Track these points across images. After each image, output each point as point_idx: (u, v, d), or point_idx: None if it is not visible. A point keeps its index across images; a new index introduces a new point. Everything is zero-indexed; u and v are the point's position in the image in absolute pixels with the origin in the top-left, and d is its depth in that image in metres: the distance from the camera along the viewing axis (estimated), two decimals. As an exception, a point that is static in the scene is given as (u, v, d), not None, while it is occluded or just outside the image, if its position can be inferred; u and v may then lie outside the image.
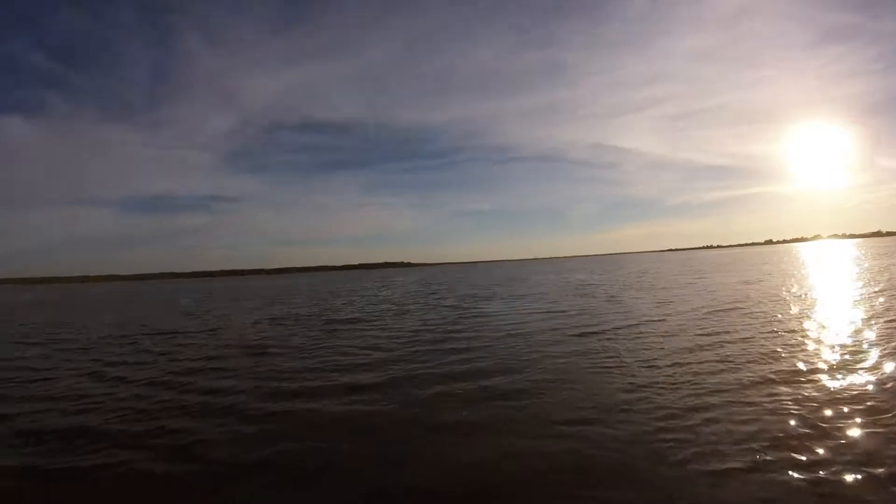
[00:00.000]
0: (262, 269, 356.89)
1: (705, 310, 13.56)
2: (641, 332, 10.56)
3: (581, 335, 10.71)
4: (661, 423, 5.03)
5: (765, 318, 11.53)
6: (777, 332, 9.68)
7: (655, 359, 7.99)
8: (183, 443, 5.34)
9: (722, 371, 6.97)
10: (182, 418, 6.26)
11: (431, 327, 13.49)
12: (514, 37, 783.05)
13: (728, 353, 7.99)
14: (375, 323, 15.30)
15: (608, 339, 10.09)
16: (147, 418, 6.30)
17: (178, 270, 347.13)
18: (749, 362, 7.36)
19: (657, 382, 6.55)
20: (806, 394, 5.70)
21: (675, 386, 6.33)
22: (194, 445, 5.25)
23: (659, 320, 12.15)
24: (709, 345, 8.79)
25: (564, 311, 15.37)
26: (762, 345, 8.53)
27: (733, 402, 5.58)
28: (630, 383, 6.62)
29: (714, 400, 5.67)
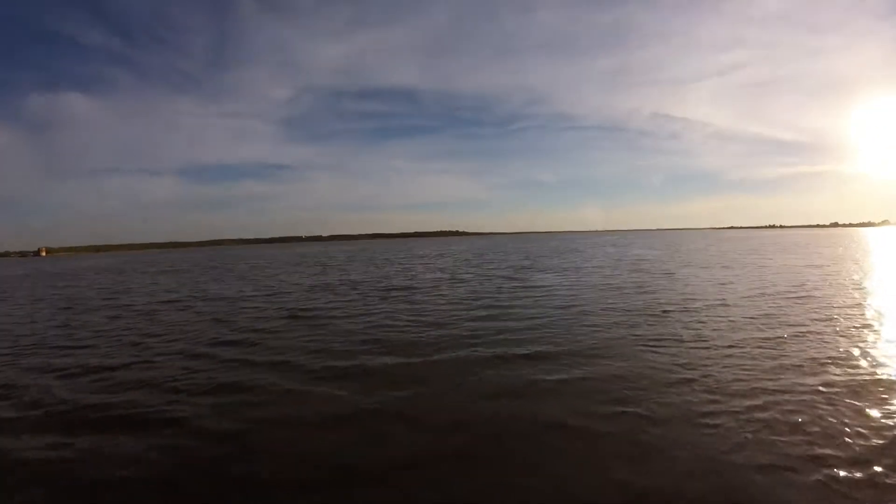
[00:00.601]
0: (319, 236, 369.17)
1: (767, 292, 13.11)
2: (699, 313, 10.40)
3: (636, 313, 10.69)
4: (709, 408, 5.03)
5: (828, 304, 11.06)
6: (839, 320, 9.26)
7: (710, 341, 7.90)
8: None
9: (778, 357, 6.80)
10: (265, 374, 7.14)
11: (484, 298, 13.82)
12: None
13: (786, 340, 7.80)
14: (431, 292, 15.84)
15: (664, 318, 10.04)
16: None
17: (238, 237, 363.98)
18: (807, 351, 7.14)
19: (709, 367, 6.47)
20: (860, 387, 5.55)
21: (728, 372, 6.23)
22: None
23: (718, 302, 11.86)
24: (768, 330, 8.55)
25: (619, 287, 15.32)
26: (822, 333, 8.25)
27: (785, 390, 5.48)
28: (682, 366, 6.60)
29: (766, 386, 5.62)
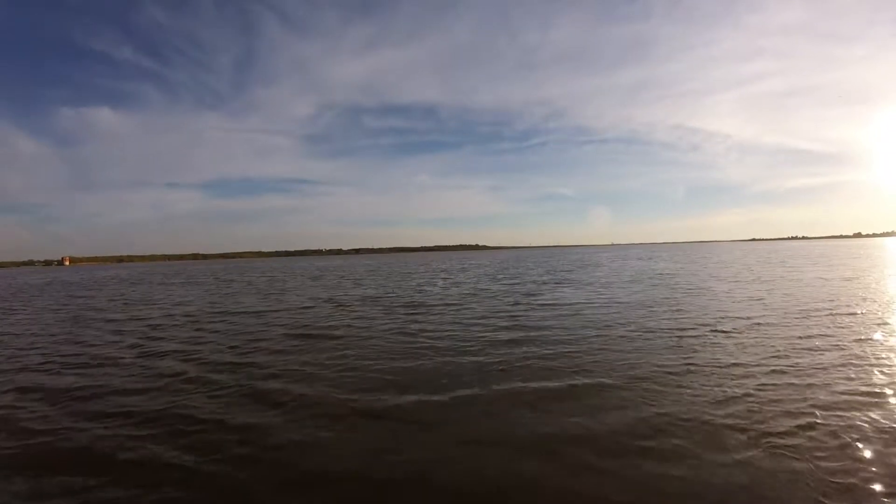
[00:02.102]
0: (340, 250, 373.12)
1: (804, 308, 12.47)
2: (739, 334, 9.78)
3: (663, 331, 10.21)
4: (748, 446, 4.54)
5: (869, 322, 10.42)
6: (887, 342, 8.65)
7: (745, 364, 7.34)
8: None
9: (816, 386, 6.22)
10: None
11: (511, 316, 13.40)
12: (599, 11, 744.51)
13: (825, 363, 7.23)
14: (453, 309, 15.47)
15: (693, 337, 9.50)
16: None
17: (259, 249, 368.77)
18: (849, 377, 6.59)
19: (746, 394, 5.96)
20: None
21: (767, 402, 5.68)
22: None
23: (750, 318, 11.27)
24: (813, 355, 7.90)
25: (652, 304, 14.75)
26: (869, 357, 7.59)
27: (826, 424, 4.96)
28: (713, 390, 6.14)
29: (806, 421, 5.05)
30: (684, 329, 10.35)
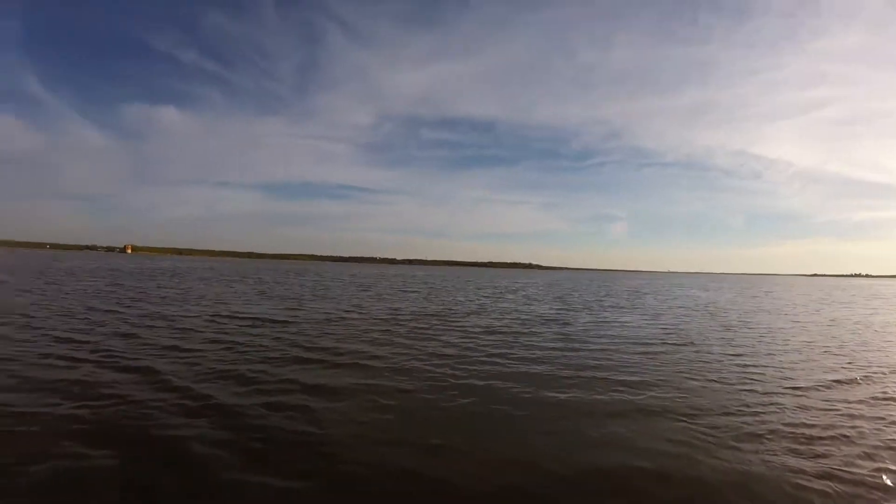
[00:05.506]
0: (394, 259, 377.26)
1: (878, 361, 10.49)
2: (830, 389, 8.00)
3: (726, 374, 8.67)
4: None
5: None
6: None
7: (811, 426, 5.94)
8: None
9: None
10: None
11: (583, 348, 11.93)
12: (658, 33, 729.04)
13: None
14: (526, 337, 14.02)
15: (761, 393, 7.65)
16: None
17: (313, 253, 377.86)
18: None
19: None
20: None
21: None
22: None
23: (853, 376, 9.24)
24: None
25: (705, 338, 13.03)
26: None
27: None
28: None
29: None
30: (724, 363, 8.54)
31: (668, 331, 14.98)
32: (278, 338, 11.04)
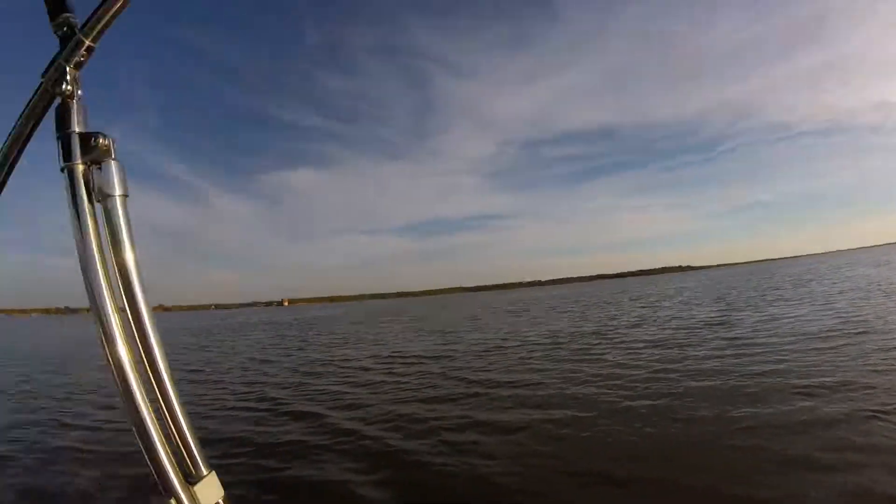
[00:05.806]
0: (539, 281, 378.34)
1: None
2: None
3: None
4: None
5: None
6: None
7: None
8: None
9: None
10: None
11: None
12: (756, 1, 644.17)
13: None
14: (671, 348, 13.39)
15: None
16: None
17: (458, 285, 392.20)
18: None
19: None
20: None
21: None
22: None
23: None
24: None
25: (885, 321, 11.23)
26: None
27: None
28: None
29: None
30: None
31: (844, 319, 13.21)
32: (441, 374, 11.77)
